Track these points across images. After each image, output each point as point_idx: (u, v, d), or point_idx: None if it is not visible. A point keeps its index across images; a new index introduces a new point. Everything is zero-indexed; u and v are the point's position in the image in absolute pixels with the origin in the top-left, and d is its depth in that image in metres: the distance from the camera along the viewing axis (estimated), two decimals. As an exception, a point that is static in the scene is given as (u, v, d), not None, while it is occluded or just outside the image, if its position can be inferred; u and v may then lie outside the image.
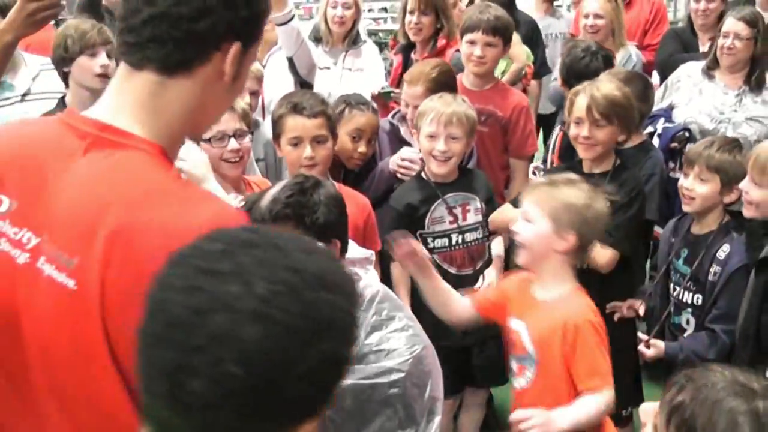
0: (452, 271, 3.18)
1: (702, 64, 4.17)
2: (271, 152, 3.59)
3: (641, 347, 2.91)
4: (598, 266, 2.99)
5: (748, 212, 2.70)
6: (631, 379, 3.17)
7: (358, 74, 4.68)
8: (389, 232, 3.06)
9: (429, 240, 3.16)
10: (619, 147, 3.21)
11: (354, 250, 2.21)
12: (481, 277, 3.22)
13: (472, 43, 3.73)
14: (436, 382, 2.06)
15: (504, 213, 3.11)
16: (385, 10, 12.11)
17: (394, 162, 3.40)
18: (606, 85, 3.07)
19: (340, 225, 2.02)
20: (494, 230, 3.26)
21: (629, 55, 4.66)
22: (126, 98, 1.38)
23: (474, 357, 3.29)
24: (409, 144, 3.51)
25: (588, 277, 2.93)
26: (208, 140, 2.90)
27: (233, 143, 2.90)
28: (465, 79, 3.85)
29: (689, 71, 4.22)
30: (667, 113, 4.15)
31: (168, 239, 1.18)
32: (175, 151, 1.46)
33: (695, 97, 4.11)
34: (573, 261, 2.41)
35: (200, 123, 1.49)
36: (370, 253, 2.29)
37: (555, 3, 6.02)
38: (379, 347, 1.98)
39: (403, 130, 3.61)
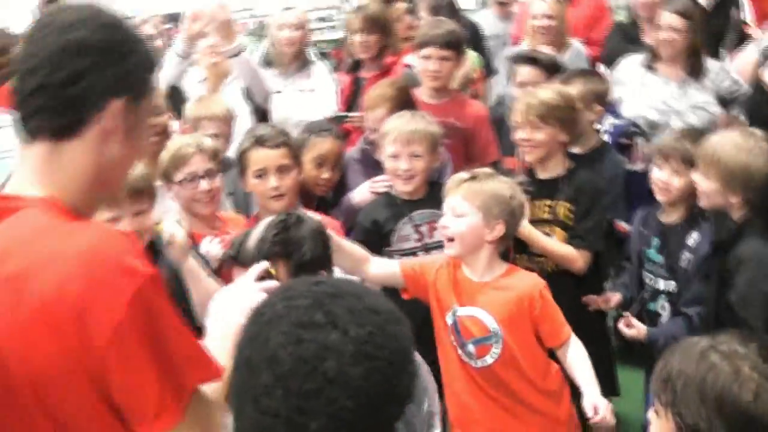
0: None
1: (642, 57, 4.31)
2: (240, 186, 3.65)
3: (621, 325, 3.04)
4: (575, 269, 3.15)
5: (702, 202, 2.81)
6: (604, 369, 3.29)
7: (310, 95, 4.76)
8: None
9: (396, 257, 3.21)
10: (571, 149, 3.33)
11: (338, 276, 2.29)
12: None
13: (427, 57, 3.84)
14: (432, 397, 2.14)
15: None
16: (322, 20, 12.15)
17: (364, 192, 3.48)
18: (544, 91, 3.23)
19: (326, 257, 2.11)
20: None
21: (577, 52, 4.77)
22: (26, 168, 1.49)
23: None
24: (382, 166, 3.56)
25: (561, 279, 3.10)
26: (180, 182, 2.98)
27: (204, 184, 2.98)
28: (422, 94, 3.95)
29: (630, 65, 4.36)
30: (613, 108, 4.27)
31: (54, 267, 1.33)
32: (90, 209, 1.56)
33: (639, 91, 4.24)
34: (500, 248, 2.68)
35: (109, 179, 1.56)
36: (355, 280, 2.37)
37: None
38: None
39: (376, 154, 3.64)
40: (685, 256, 2.99)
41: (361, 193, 3.50)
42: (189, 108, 3.86)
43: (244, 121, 4.31)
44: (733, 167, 2.64)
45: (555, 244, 3.15)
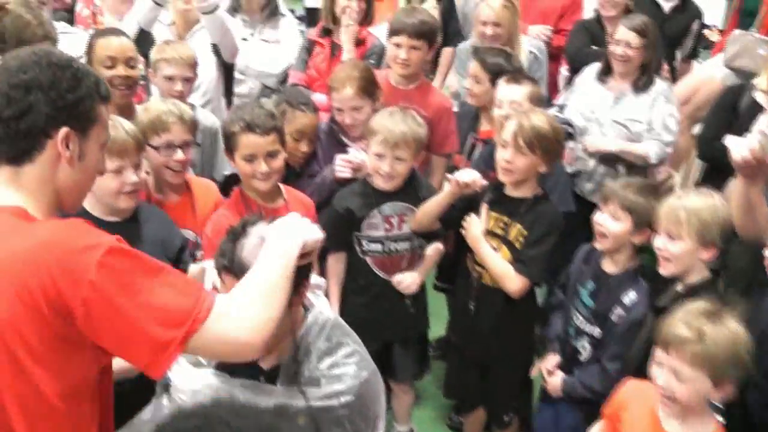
0: (381, 275, 3.60)
1: (597, 67, 4.55)
2: (207, 140, 3.86)
3: (544, 374, 3.31)
4: (509, 291, 3.32)
5: (665, 270, 2.89)
6: (527, 390, 3.64)
7: (275, 46, 4.98)
8: (328, 230, 3.43)
9: (364, 242, 3.55)
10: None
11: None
12: (399, 274, 3.59)
13: (398, 45, 4.05)
14: (379, 403, 2.44)
15: (473, 228, 3.40)
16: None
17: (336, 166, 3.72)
18: (537, 117, 3.28)
19: (309, 265, 2.24)
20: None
21: (534, 58, 4.90)
22: None
23: (395, 354, 3.73)
24: (346, 146, 3.83)
25: (496, 294, 3.38)
26: (156, 148, 3.19)
27: (179, 154, 3.23)
28: (391, 77, 4.19)
29: (587, 73, 4.62)
30: (560, 109, 4.59)
31: (14, 263, 1.70)
32: (54, 217, 1.89)
33: (581, 97, 4.53)
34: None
35: (67, 199, 1.89)
36: (321, 280, 2.62)
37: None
38: (331, 372, 2.32)
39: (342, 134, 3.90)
40: (618, 311, 3.08)
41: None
42: (153, 51, 4.01)
43: (209, 71, 4.50)
44: (707, 218, 2.79)
45: (497, 259, 3.32)
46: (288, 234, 1.99)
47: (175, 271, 1.81)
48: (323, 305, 2.49)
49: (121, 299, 1.67)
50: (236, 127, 3.18)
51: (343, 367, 2.34)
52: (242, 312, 1.78)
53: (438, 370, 4.20)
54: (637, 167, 4.37)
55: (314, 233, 2.05)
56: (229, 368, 2.33)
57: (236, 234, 2.19)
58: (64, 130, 1.79)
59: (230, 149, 3.25)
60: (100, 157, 1.92)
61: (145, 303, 1.68)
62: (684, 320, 2.36)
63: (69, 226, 1.75)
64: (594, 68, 4.58)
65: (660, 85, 4.44)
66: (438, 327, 4.13)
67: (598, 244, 3.20)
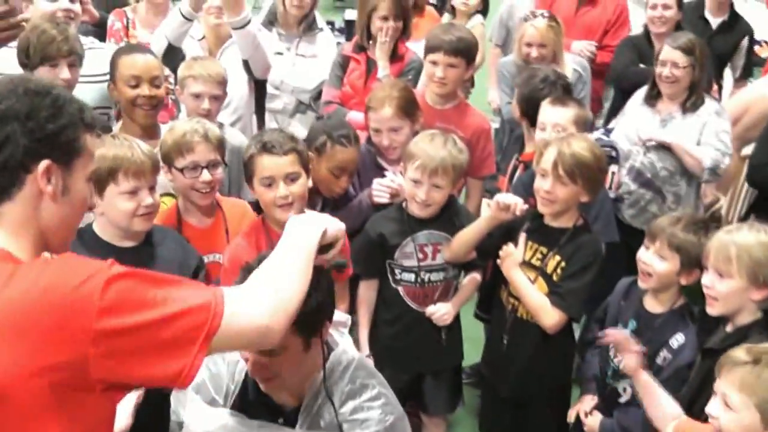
0: (413, 306, 3.44)
1: (645, 90, 4.37)
2: (235, 159, 3.70)
3: (581, 415, 3.13)
4: (544, 325, 3.17)
5: (713, 310, 2.70)
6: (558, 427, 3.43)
7: (312, 61, 4.86)
8: (360, 256, 3.36)
9: (397, 271, 3.41)
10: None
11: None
12: (432, 305, 3.44)
13: (434, 63, 3.91)
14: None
15: (509, 258, 3.25)
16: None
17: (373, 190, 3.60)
18: (578, 143, 3.12)
19: (331, 305, 2.18)
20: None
21: (578, 76, 4.71)
22: None
23: (426, 386, 3.58)
24: (384, 169, 3.70)
25: (531, 328, 3.22)
26: (181, 170, 3.08)
27: (206, 174, 3.12)
28: (427, 96, 4.05)
29: (638, 95, 4.45)
30: (607, 132, 4.45)
31: (3, 313, 1.54)
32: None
33: (628, 121, 4.37)
34: None
35: (53, 237, 1.75)
36: (346, 317, 2.49)
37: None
38: (354, 417, 2.20)
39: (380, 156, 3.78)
40: (664, 354, 2.93)
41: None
42: (181, 68, 3.90)
43: (240, 88, 4.40)
44: (759, 256, 2.59)
45: (533, 292, 3.18)
46: (307, 223, 1.96)
47: (178, 277, 1.72)
48: (348, 344, 2.39)
49: (133, 318, 1.56)
50: (253, 150, 3.05)
51: (368, 412, 2.23)
52: (255, 297, 1.73)
53: (471, 398, 4.07)
54: (684, 193, 4.22)
55: (336, 223, 2.00)
56: (246, 408, 2.23)
57: (250, 272, 2.08)
58: (44, 163, 1.65)
59: (249, 176, 3.10)
60: (86, 190, 1.78)
61: (157, 316, 1.58)
62: (750, 348, 2.22)
63: (58, 266, 1.62)
64: (644, 91, 4.39)
65: (710, 104, 4.25)
66: (474, 353, 3.97)
67: (642, 283, 3.03)
